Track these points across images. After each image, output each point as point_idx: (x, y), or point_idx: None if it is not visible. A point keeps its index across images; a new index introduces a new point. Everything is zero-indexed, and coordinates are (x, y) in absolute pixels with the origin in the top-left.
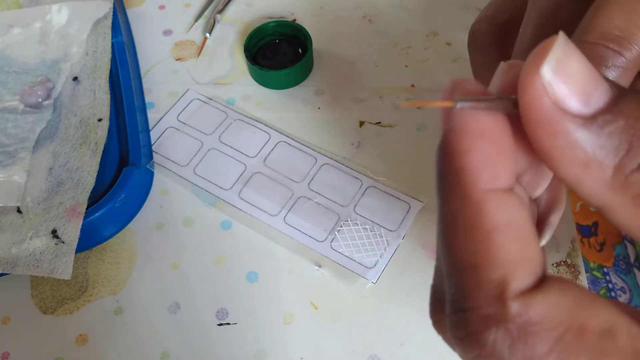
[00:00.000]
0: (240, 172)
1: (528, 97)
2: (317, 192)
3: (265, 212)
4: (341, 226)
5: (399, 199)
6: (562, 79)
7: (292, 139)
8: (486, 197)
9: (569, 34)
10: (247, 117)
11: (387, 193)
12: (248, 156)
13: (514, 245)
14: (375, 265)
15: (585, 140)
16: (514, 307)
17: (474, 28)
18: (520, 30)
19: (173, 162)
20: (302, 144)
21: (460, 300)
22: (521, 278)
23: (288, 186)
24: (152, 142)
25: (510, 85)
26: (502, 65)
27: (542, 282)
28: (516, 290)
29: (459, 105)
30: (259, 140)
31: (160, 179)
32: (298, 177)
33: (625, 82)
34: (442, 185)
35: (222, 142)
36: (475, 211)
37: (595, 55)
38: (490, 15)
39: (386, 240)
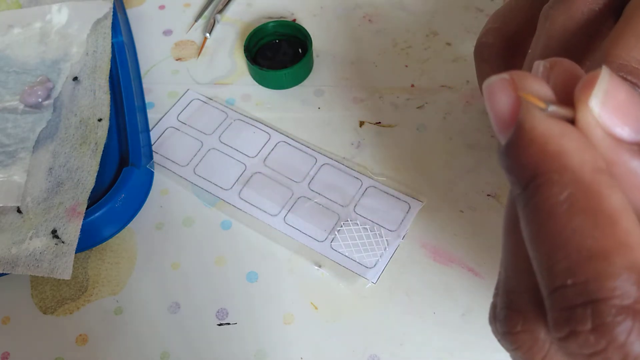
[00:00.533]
0: (240, 172)
1: (582, 129)
2: (317, 192)
3: (265, 212)
4: (341, 226)
5: (399, 199)
6: (611, 110)
7: (292, 139)
8: (598, 179)
9: (579, 57)
10: (247, 117)
11: (387, 193)
12: (248, 156)
13: (638, 229)
14: (375, 265)
15: None
16: None
17: (481, 40)
18: (530, 50)
19: (173, 162)
20: (302, 144)
21: (586, 291)
22: None
23: (288, 186)
24: (152, 142)
25: (561, 84)
26: (543, 63)
27: None
28: None
29: (550, 109)
30: (259, 140)
31: (160, 179)
32: (298, 177)
33: None
34: (535, 173)
35: (222, 142)
36: (592, 195)
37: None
38: (497, 27)
39: (386, 240)
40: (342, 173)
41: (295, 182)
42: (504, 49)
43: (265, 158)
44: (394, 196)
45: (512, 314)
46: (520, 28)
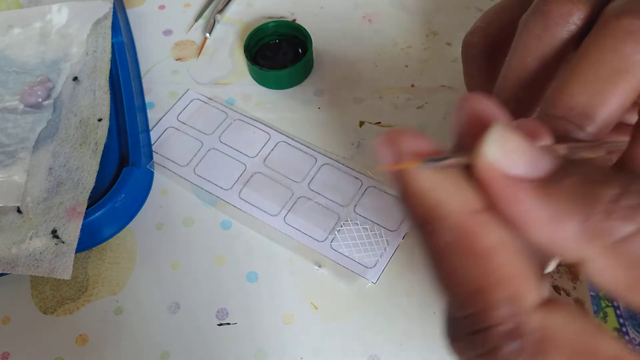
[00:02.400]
0: (240, 172)
1: (483, 179)
2: (317, 192)
3: (265, 212)
4: (341, 226)
5: None
6: (505, 154)
7: (292, 139)
8: (472, 221)
9: (554, 69)
10: (247, 117)
11: (387, 193)
12: (248, 156)
13: (514, 262)
14: (375, 265)
15: (547, 199)
16: (534, 321)
17: (466, 39)
18: (507, 58)
19: (173, 162)
20: (302, 144)
21: (477, 321)
22: (530, 292)
23: (288, 186)
24: (152, 142)
25: (466, 122)
26: (456, 103)
27: (551, 302)
28: (532, 304)
29: (428, 165)
30: (259, 140)
31: (160, 179)
32: (298, 177)
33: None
34: (423, 222)
35: (222, 142)
36: (468, 237)
37: (559, 128)
38: (482, 26)
39: (386, 240)
40: (342, 173)
41: (295, 182)
42: (487, 47)
43: (265, 158)
44: (394, 196)
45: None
46: (503, 28)
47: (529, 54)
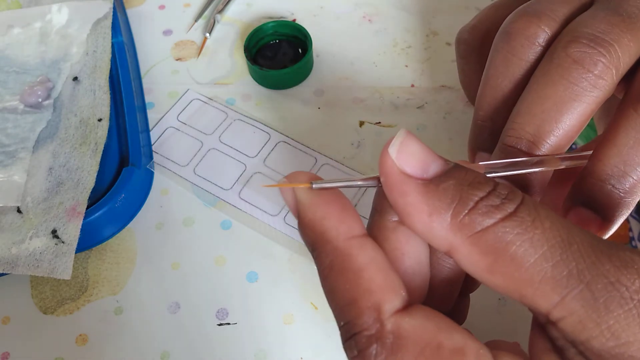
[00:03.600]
0: (240, 172)
1: (382, 171)
2: None
3: (265, 212)
4: None
5: None
6: (405, 155)
7: (292, 139)
8: (348, 245)
9: (524, 78)
10: (247, 117)
11: None
12: (248, 156)
13: (379, 276)
14: None
15: (427, 195)
16: (389, 325)
17: (458, 36)
18: (483, 76)
19: (173, 162)
20: (302, 144)
21: (349, 329)
22: (391, 301)
23: None
24: (152, 142)
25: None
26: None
27: (410, 307)
28: (390, 311)
29: (314, 186)
30: (259, 140)
31: (160, 179)
32: None
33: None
34: (312, 247)
35: (222, 142)
36: (344, 258)
37: (511, 154)
38: (473, 25)
39: None
40: (342, 173)
41: None
42: (478, 45)
43: (265, 158)
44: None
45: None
46: (493, 26)
47: (499, 75)
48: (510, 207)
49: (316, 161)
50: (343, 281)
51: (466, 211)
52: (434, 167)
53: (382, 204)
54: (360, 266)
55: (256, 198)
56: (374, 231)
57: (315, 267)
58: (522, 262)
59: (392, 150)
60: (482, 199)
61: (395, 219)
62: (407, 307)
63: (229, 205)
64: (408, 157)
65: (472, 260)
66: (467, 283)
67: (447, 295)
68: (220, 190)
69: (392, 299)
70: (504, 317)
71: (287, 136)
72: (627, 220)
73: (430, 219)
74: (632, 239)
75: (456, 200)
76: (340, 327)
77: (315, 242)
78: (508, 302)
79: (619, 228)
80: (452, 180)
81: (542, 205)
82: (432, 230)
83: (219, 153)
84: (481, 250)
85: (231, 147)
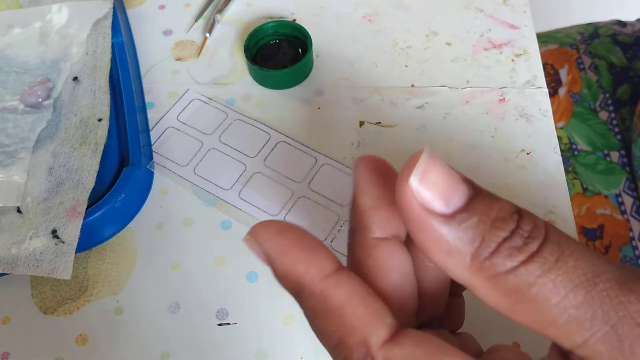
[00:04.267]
0: (240, 172)
1: (401, 202)
2: (317, 192)
3: (265, 212)
4: (341, 226)
5: None
6: (426, 187)
7: (292, 139)
8: (324, 286)
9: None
10: (247, 117)
11: None
12: (248, 156)
13: (360, 310)
14: None
15: (448, 233)
16: (379, 358)
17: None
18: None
19: (173, 162)
20: (302, 144)
21: None
22: (377, 332)
23: (288, 186)
24: (152, 142)
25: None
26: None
27: (399, 334)
28: (378, 343)
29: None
30: (259, 140)
31: (160, 179)
32: (298, 177)
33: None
34: (293, 296)
35: (222, 142)
36: (322, 300)
37: None
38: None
39: None
40: (342, 173)
41: (295, 182)
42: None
43: (265, 158)
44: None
45: None
46: None
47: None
48: (533, 247)
49: (316, 161)
50: (328, 323)
51: (487, 254)
52: (456, 200)
53: (359, 223)
54: (339, 304)
55: (256, 198)
56: (356, 250)
57: None
58: (544, 304)
59: (414, 181)
60: (504, 240)
61: (376, 235)
62: (395, 334)
63: (229, 205)
64: (430, 189)
65: (491, 300)
66: (455, 283)
67: (437, 299)
68: (220, 190)
69: (377, 330)
70: (504, 316)
71: (287, 136)
72: (627, 220)
73: (449, 257)
74: (632, 239)
75: (477, 241)
76: None
77: (293, 291)
78: None
79: (619, 228)
80: (474, 218)
81: (567, 238)
82: (450, 268)
83: (219, 153)
84: (501, 292)
85: (231, 147)
